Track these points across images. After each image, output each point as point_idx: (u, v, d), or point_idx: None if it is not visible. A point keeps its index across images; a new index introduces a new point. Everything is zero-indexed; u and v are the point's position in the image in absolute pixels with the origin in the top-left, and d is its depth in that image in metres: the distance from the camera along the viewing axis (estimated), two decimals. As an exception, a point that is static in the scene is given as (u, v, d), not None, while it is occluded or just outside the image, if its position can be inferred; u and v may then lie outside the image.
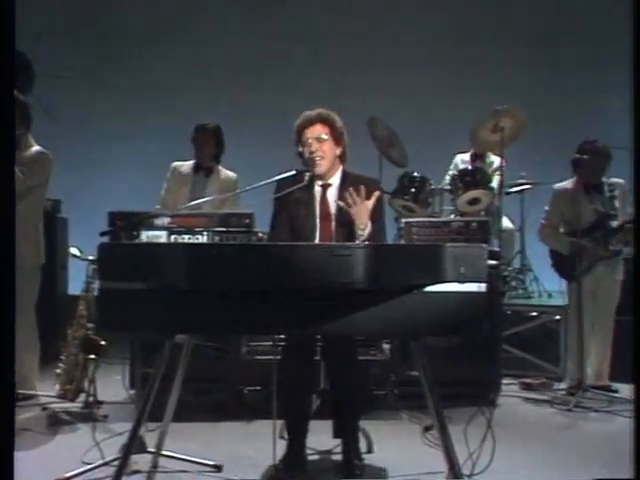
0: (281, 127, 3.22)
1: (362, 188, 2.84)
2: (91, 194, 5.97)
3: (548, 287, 5.26)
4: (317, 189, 2.99)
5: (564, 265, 4.18)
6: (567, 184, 4.16)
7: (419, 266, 2.26)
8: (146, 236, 2.65)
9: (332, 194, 2.99)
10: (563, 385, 4.32)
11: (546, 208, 4.32)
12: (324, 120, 2.96)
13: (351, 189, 2.87)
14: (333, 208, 2.96)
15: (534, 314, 4.80)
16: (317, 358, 3.09)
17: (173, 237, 2.67)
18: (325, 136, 2.95)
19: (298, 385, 2.93)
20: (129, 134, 6.28)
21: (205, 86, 6.33)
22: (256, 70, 6.33)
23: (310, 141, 2.94)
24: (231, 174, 4.42)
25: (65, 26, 6.30)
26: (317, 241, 2.91)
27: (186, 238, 2.66)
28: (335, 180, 3.01)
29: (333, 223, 2.95)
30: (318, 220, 2.96)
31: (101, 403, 3.69)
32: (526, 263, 5.37)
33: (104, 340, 3.61)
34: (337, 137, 2.98)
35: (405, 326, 2.31)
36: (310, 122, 2.96)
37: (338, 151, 3.00)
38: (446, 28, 6.34)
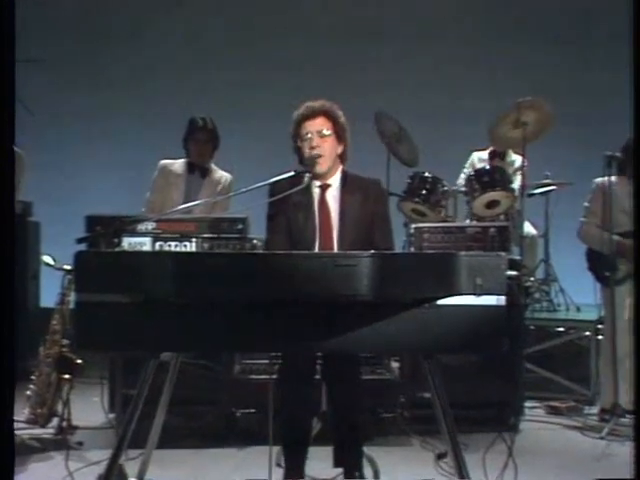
0: (279, 122, 3.25)
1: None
2: (66, 195, 6.01)
3: (576, 300, 5.27)
4: (315, 190, 3.02)
5: (603, 267, 4.19)
6: (610, 180, 4.17)
7: (431, 277, 2.29)
8: (128, 243, 2.68)
9: (332, 196, 3.02)
10: (595, 409, 4.32)
11: (586, 204, 4.35)
12: (327, 113, 2.99)
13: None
14: (334, 211, 2.99)
15: (561, 329, 4.82)
16: (317, 377, 3.11)
17: (158, 244, 2.69)
18: (327, 131, 2.97)
19: (296, 407, 2.95)
20: (110, 129, 6.31)
21: (195, 78, 6.36)
22: (252, 62, 6.37)
23: (311, 135, 2.96)
24: (227, 175, 4.46)
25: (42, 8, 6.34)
26: (317, 248, 2.94)
27: (173, 245, 2.69)
28: (335, 181, 3.04)
29: (334, 227, 2.98)
30: (318, 224, 2.98)
31: (76, 428, 3.71)
32: (551, 273, 5.38)
33: (80, 358, 3.63)
34: (340, 133, 3.01)
35: (416, 343, 2.33)
36: (312, 114, 2.98)
37: (339, 149, 3.03)
38: (462, 20, 6.39)
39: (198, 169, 4.41)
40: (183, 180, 4.39)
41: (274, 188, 2.91)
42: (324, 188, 3.03)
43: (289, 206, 2.97)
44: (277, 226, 2.99)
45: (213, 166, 4.46)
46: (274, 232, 2.99)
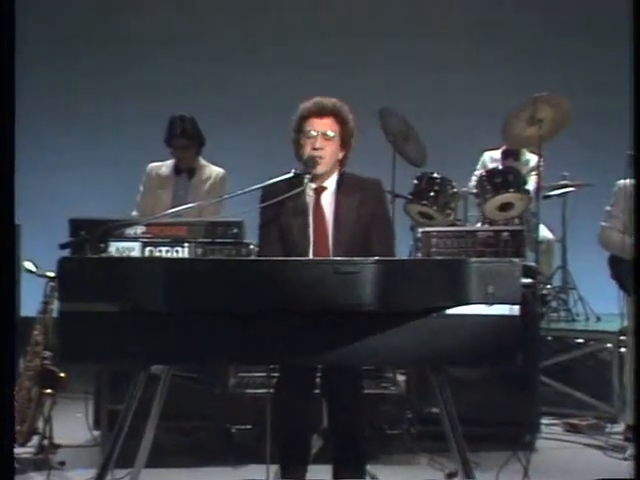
0: (278, 121, 3.26)
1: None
2: (49, 197, 6.01)
3: (596, 309, 5.27)
4: (310, 193, 3.03)
5: (627, 274, 4.18)
6: (632, 182, 4.17)
7: (439, 284, 2.31)
8: (116, 248, 2.69)
9: (327, 199, 3.04)
10: (618, 427, 4.31)
11: (607, 208, 4.36)
12: (337, 114, 3.01)
13: None
14: (329, 215, 3.01)
15: (580, 341, 4.81)
16: (317, 392, 3.12)
17: (148, 250, 2.71)
18: (333, 134, 3.00)
19: (295, 423, 2.97)
20: (97, 126, 6.32)
21: (188, 68, 6.38)
22: (252, 60, 6.39)
23: (315, 134, 2.98)
24: (218, 170, 4.49)
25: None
26: (311, 254, 2.96)
27: (164, 251, 2.71)
28: (331, 183, 3.06)
29: (329, 232, 3.00)
30: (312, 229, 3.00)
31: (58, 447, 3.71)
32: (569, 280, 5.38)
33: (63, 371, 3.64)
34: (345, 138, 3.03)
35: (423, 355, 2.35)
36: (321, 112, 3.00)
37: (341, 154, 3.05)
38: (475, 17, 6.43)
39: (185, 170, 4.46)
40: (170, 182, 4.45)
41: (267, 191, 2.93)
42: (319, 191, 3.04)
43: (282, 210, 2.98)
44: (269, 232, 3.00)
45: (202, 162, 4.49)
46: (266, 238, 3.00)
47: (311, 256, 2.95)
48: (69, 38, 6.39)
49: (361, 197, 3.03)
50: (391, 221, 3.15)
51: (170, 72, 6.35)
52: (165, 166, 4.50)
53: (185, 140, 4.36)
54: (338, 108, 3.01)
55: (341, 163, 3.09)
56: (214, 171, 4.48)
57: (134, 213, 4.35)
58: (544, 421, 4.25)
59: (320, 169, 2.99)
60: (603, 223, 4.36)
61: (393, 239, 3.13)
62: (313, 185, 3.02)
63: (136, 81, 6.32)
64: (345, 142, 3.03)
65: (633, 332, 2.21)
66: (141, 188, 4.51)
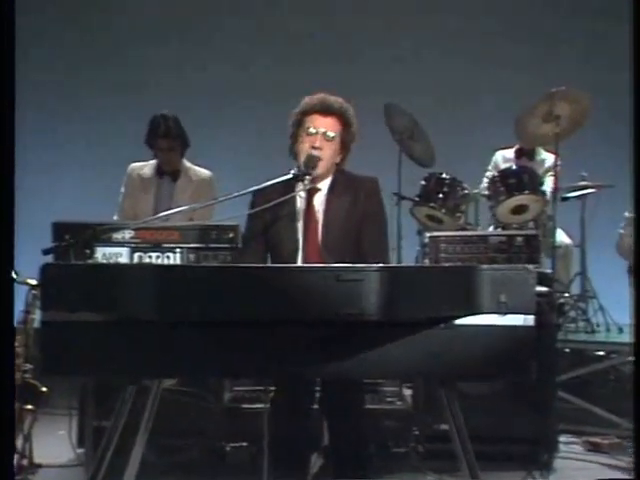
0: (279, 114, 3.28)
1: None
2: (31, 200, 6.02)
3: (618, 319, 5.28)
4: (302, 195, 3.05)
5: None
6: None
7: (448, 293, 2.32)
8: (102, 254, 2.71)
9: (320, 200, 3.07)
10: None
11: (626, 214, 4.37)
12: (342, 115, 3.04)
13: None
14: (321, 219, 3.03)
15: (600, 353, 4.82)
16: (317, 407, 3.14)
17: (137, 255, 2.72)
18: (334, 134, 3.03)
19: (294, 441, 2.98)
20: (80, 123, 6.35)
21: (179, 59, 6.40)
22: (251, 58, 6.41)
23: (314, 132, 3.01)
24: (204, 172, 4.50)
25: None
26: (300, 259, 2.98)
27: (154, 257, 2.72)
28: (325, 185, 3.09)
29: (320, 236, 3.01)
30: (302, 232, 3.02)
31: (38, 467, 3.72)
32: (588, 288, 5.39)
33: (45, 386, 3.64)
34: (345, 141, 3.06)
35: (431, 368, 2.37)
36: (325, 109, 3.03)
37: (338, 158, 3.08)
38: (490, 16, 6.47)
39: (168, 172, 4.48)
40: (153, 185, 4.47)
41: (260, 193, 2.94)
42: (312, 193, 3.06)
43: (273, 213, 3.00)
44: (253, 234, 3.03)
45: (186, 164, 4.51)
46: (248, 243, 3.00)
47: (300, 260, 2.97)
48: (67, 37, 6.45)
49: (353, 197, 3.06)
50: (385, 221, 3.16)
51: (167, 71, 6.38)
52: (147, 167, 4.51)
53: (170, 141, 4.38)
54: (344, 109, 3.05)
55: (337, 166, 3.11)
56: (200, 173, 4.49)
57: (115, 217, 4.37)
58: (562, 439, 4.26)
59: (317, 171, 3.00)
60: (621, 230, 4.38)
61: (385, 240, 3.14)
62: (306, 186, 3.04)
63: (130, 79, 6.35)
64: (345, 145, 3.07)
65: (634, 324, 2.23)
66: (122, 189, 4.52)
